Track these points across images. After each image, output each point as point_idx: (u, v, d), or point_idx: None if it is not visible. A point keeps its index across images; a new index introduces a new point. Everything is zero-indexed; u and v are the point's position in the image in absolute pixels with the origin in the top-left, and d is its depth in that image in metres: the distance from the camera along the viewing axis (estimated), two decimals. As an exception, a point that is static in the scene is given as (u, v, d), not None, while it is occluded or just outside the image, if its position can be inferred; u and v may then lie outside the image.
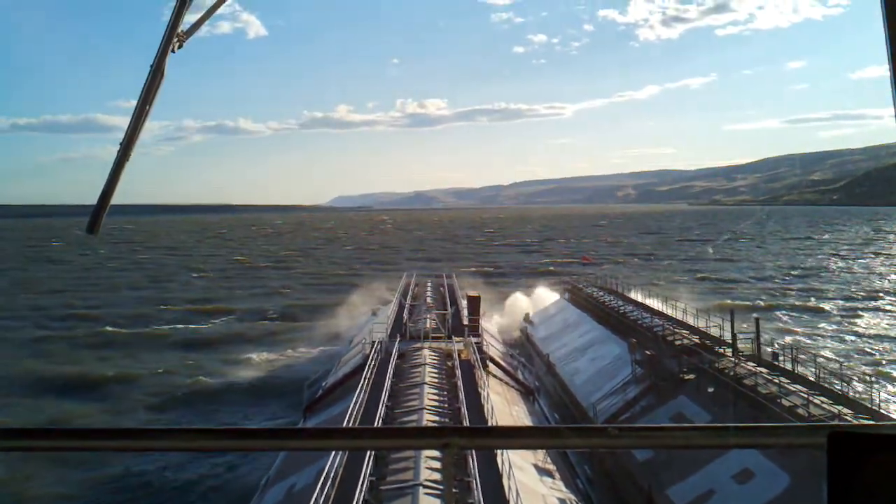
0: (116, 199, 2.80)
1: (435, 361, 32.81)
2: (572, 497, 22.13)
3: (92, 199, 2.83)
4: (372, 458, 19.33)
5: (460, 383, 28.39)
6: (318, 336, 56.12)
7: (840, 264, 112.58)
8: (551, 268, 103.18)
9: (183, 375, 45.00)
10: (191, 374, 45.09)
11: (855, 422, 21.21)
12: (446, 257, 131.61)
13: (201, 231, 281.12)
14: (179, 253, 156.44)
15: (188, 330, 61.90)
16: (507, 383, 34.43)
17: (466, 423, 22.88)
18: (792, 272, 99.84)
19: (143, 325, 62.96)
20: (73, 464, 29.04)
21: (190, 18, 2.78)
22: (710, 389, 28.12)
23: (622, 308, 46.10)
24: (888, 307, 69.68)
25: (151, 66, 2.71)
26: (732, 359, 30.59)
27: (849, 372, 29.67)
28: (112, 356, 50.76)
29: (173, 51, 2.72)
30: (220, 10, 2.92)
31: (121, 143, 2.70)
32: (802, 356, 30.21)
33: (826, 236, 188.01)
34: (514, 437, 3.97)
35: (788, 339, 44.98)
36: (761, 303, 70.84)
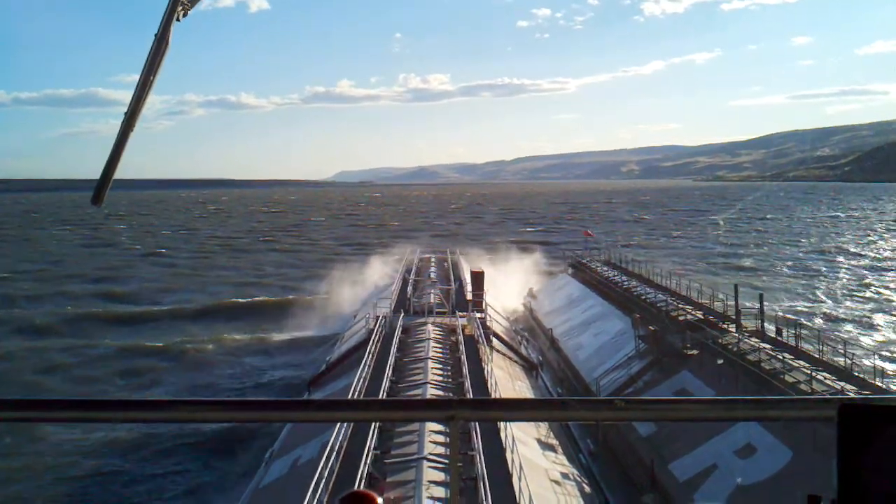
0: (118, 172, 2.77)
1: (439, 336, 32.95)
2: (575, 471, 22.30)
3: (94, 174, 2.80)
4: (376, 431, 19.47)
5: (464, 358, 28.51)
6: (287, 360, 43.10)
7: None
8: (555, 242, 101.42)
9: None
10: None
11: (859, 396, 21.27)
12: (449, 234, 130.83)
13: (192, 208, 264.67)
14: (161, 233, 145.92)
15: (125, 343, 46.69)
16: (510, 358, 34.55)
17: (471, 397, 22.99)
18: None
19: (72, 332, 49.78)
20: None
21: None
22: (714, 364, 28.17)
23: (626, 283, 46.08)
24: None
25: (156, 35, 2.66)
26: (736, 334, 30.59)
27: (852, 348, 29.69)
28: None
29: (178, 19, 2.67)
30: None
31: (125, 114, 2.67)
32: (806, 332, 30.21)
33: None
34: (520, 409, 4.01)
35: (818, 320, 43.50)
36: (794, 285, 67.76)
